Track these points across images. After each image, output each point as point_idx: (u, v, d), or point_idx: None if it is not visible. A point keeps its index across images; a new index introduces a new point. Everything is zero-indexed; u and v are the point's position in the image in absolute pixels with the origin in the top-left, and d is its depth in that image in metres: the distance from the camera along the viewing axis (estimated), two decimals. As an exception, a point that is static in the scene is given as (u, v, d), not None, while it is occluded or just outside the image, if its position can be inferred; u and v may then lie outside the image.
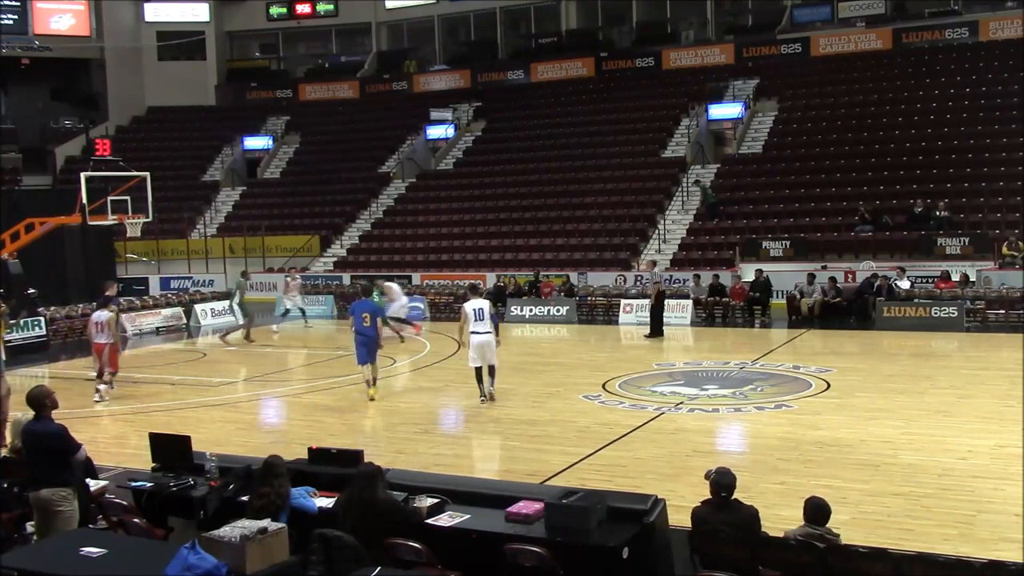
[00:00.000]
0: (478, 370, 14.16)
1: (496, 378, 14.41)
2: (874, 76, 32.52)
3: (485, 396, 14.24)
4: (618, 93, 36.16)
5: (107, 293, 17.66)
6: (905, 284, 22.32)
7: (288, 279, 26.09)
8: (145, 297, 28.05)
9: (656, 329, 20.85)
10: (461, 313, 14.55)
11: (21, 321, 21.33)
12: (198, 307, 26.37)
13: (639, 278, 25.41)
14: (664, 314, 21.39)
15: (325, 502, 7.11)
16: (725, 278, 24.16)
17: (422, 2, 41.97)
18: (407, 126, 38.08)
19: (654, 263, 22.43)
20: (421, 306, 25.97)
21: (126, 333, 17.02)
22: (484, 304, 14.35)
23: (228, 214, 36.78)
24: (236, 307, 22.11)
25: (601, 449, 11.35)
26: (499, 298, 25.70)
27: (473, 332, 13.99)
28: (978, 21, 32.35)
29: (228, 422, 13.86)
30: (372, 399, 14.64)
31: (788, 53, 34.96)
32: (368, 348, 14.70)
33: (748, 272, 24.43)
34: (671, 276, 25.46)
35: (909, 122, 29.93)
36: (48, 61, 39.30)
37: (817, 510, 6.55)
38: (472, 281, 21.45)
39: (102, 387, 15.43)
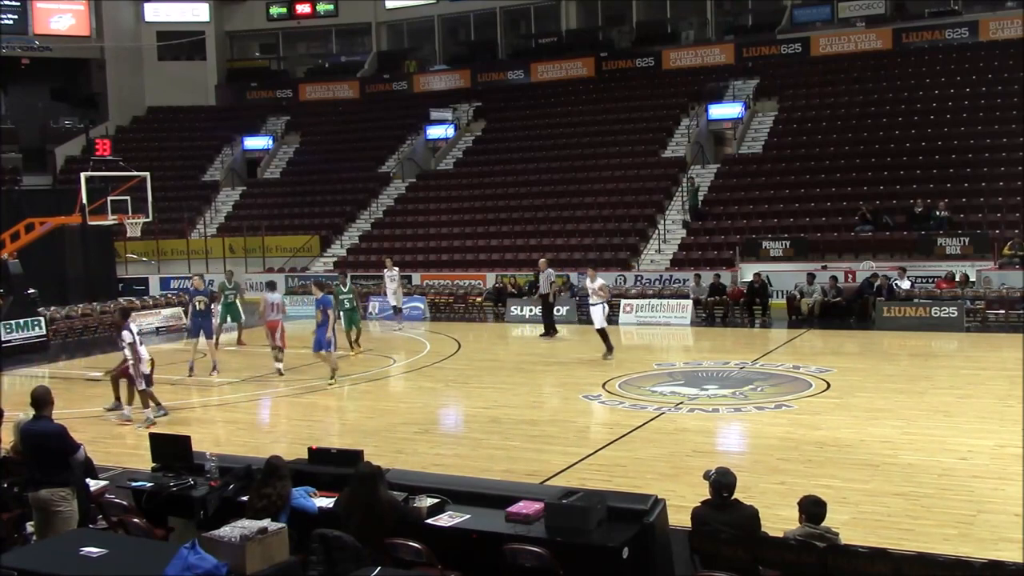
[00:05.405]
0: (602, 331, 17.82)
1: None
2: (874, 76, 32.52)
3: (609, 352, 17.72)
4: (618, 93, 36.13)
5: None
6: (906, 284, 22.31)
7: (388, 273, 24.13)
8: (145, 297, 28.03)
9: (549, 328, 21.43)
10: (592, 289, 18.00)
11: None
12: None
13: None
14: (554, 311, 22.15)
15: (325, 502, 7.12)
16: (725, 278, 24.17)
17: (422, 2, 41.97)
18: (407, 126, 38.08)
19: (547, 262, 22.45)
20: (421, 306, 25.96)
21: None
22: None
23: (228, 214, 36.78)
24: (236, 306, 21.27)
25: (601, 449, 11.34)
26: (499, 298, 25.78)
27: (595, 304, 17.92)
28: (978, 21, 32.34)
29: (228, 422, 13.86)
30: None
31: (788, 53, 34.96)
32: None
33: (748, 272, 24.44)
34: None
35: (909, 122, 29.92)
36: (48, 61, 39.30)
37: (813, 507, 6.55)
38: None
39: (279, 364, 17.15)
